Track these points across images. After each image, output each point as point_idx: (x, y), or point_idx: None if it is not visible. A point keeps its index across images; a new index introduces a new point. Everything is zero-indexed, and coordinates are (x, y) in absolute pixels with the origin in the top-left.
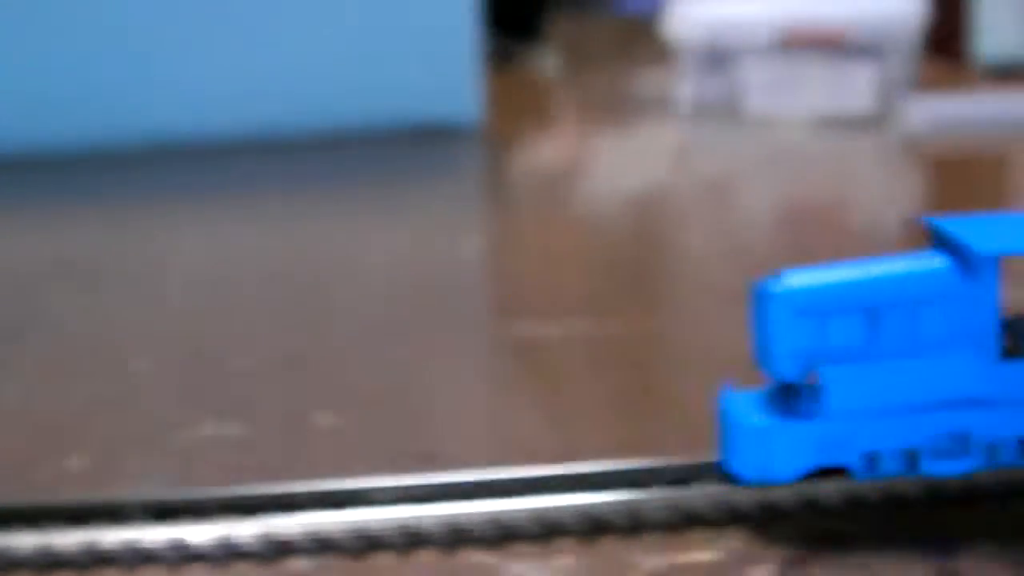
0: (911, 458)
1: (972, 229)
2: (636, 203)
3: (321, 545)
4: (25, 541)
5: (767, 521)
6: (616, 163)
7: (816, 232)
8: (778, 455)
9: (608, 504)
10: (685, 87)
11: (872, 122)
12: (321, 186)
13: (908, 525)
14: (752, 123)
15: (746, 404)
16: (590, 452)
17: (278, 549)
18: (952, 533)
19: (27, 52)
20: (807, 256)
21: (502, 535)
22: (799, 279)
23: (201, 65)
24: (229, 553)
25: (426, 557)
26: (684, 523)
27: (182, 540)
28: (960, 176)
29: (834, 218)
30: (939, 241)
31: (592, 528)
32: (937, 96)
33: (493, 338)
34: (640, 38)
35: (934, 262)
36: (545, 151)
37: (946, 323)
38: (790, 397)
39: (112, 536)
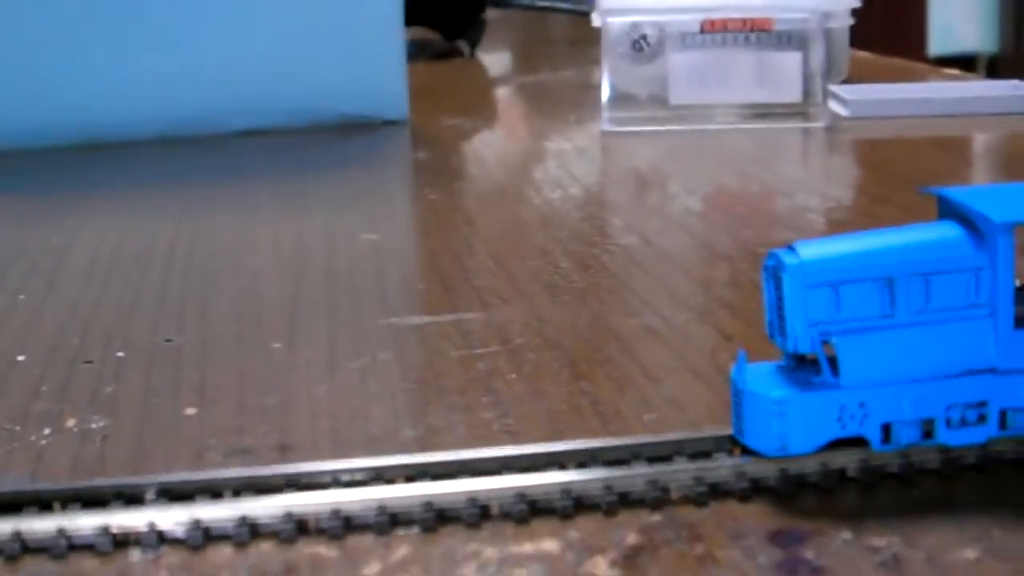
0: (927, 428)
1: (984, 199)
2: (551, 196)
3: (160, 537)
4: None
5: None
6: (539, 155)
7: (741, 218)
8: (797, 427)
9: (453, 494)
10: (610, 77)
11: (799, 111)
12: (233, 179)
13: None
14: (677, 113)
15: (762, 376)
16: (444, 439)
17: (119, 541)
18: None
19: None
20: (734, 242)
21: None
22: (813, 250)
23: (126, 61)
24: (70, 546)
25: (265, 548)
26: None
27: (21, 532)
28: (882, 161)
29: (759, 205)
30: (949, 211)
31: (436, 518)
32: (863, 85)
33: (373, 328)
34: (592, 31)
35: (948, 231)
36: (468, 144)
37: (961, 292)
38: (805, 369)
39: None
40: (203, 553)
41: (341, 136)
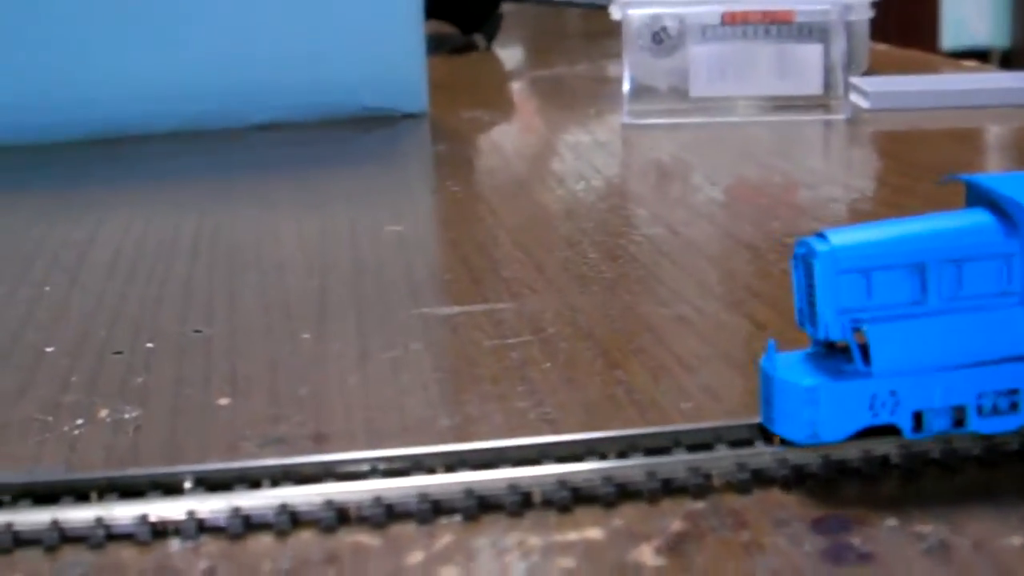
0: (959, 416)
1: (1013, 185)
2: (574, 188)
3: (199, 526)
4: None
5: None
6: (560, 148)
7: (766, 209)
8: (828, 415)
9: (495, 481)
10: (630, 70)
11: (820, 103)
12: (253, 173)
13: (800, 500)
14: (697, 105)
15: (793, 364)
16: (481, 429)
17: (158, 531)
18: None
19: None
20: (759, 232)
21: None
22: (844, 236)
23: (142, 54)
24: (108, 536)
25: (306, 536)
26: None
27: (59, 522)
28: (904, 153)
29: (783, 196)
30: (978, 198)
31: (478, 506)
32: (884, 76)
33: (403, 319)
34: (606, 25)
35: (978, 218)
36: (488, 137)
37: (993, 279)
38: (835, 357)
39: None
40: (243, 542)
41: (360, 129)
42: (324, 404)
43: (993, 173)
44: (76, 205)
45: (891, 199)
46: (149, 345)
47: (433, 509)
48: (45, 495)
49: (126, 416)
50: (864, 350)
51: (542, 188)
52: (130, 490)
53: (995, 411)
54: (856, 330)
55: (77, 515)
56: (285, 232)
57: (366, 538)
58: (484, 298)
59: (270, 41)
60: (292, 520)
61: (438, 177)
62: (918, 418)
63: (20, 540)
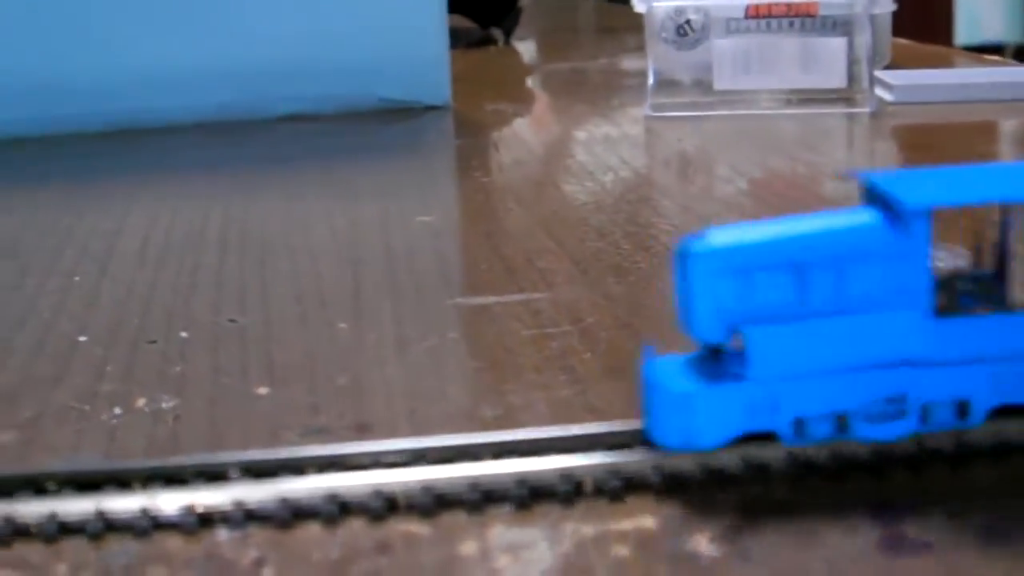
0: (843, 422)
1: (904, 183)
2: (601, 179)
3: (247, 515)
4: None
5: (709, 487)
6: (584, 140)
7: (787, 204)
8: (702, 421)
9: (546, 471)
10: (654, 63)
11: (844, 96)
12: (278, 164)
13: (854, 489)
14: (721, 98)
15: (671, 369)
16: (526, 419)
17: (204, 520)
18: (898, 497)
19: None
20: None
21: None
22: (722, 236)
23: (166, 45)
24: (154, 524)
25: (355, 525)
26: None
27: (103, 511)
28: (929, 146)
29: (810, 188)
30: (871, 196)
31: (530, 495)
32: (908, 70)
33: (439, 309)
34: (621, 19)
35: (864, 217)
36: (511, 129)
37: (877, 280)
38: (718, 361)
39: (32, 508)
40: (292, 531)
41: (383, 121)
42: (364, 393)
43: (897, 169)
44: (102, 195)
45: None
46: (183, 334)
47: (484, 498)
48: (89, 483)
49: (164, 405)
50: (743, 354)
51: (569, 180)
52: (175, 478)
53: (882, 417)
54: (735, 333)
55: (122, 504)
56: (314, 222)
57: (416, 527)
58: (520, 288)
59: (293, 33)
60: (341, 508)
61: (465, 168)
62: (800, 424)
63: (65, 528)
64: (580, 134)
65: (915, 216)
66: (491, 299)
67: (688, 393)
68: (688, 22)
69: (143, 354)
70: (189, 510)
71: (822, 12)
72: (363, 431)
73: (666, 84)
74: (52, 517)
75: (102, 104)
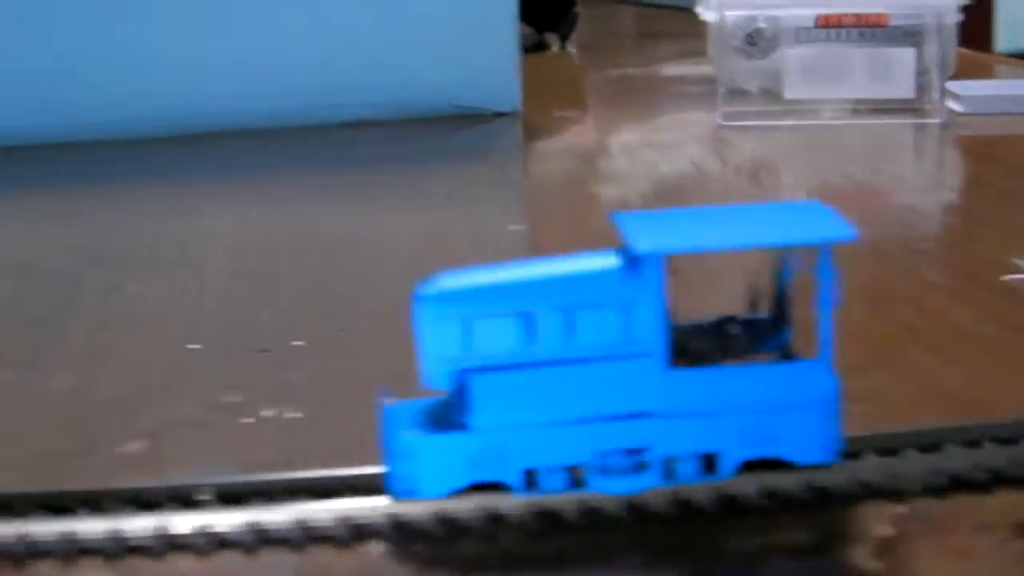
0: (576, 475)
1: (646, 226)
2: (671, 187)
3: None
4: (94, 527)
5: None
6: (652, 147)
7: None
8: (426, 470)
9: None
10: (723, 71)
11: (913, 107)
12: (359, 169)
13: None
14: (790, 108)
15: (404, 414)
16: None
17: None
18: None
19: (50, 39)
20: (876, 232)
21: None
22: (451, 281)
23: (229, 48)
24: (310, 537)
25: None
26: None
27: (258, 523)
28: (997, 157)
29: (872, 203)
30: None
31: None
32: (975, 81)
33: None
34: (672, 25)
35: (598, 262)
36: (583, 135)
37: (608, 328)
38: (451, 408)
39: (183, 521)
40: (452, 545)
41: (452, 127)
42: None
43: (651, 210)
44: (182, 198)
45: (1002, 202)
46: (297, 343)
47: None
48: (231, 497)
49: (288, 415)
50: (468, 402)
51: (648, 185)
52: (326, 490)
53: (618, 470)
54: (461, 380)
55: (274, 516)
56: (400, 230)
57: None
58: None
59: (362, 38)
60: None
61: (544, 175)
62: (530, 476)
63: (222, 543)
64: (653, 140)
65: (648, 262)
66: None
67: (410, 441)
68: (758, 31)
69: (258, 363)
70: (344, 522)
71: (892, 22)
72: None
73: (735, 93)
74: (203, 530)
75: (162, 108)
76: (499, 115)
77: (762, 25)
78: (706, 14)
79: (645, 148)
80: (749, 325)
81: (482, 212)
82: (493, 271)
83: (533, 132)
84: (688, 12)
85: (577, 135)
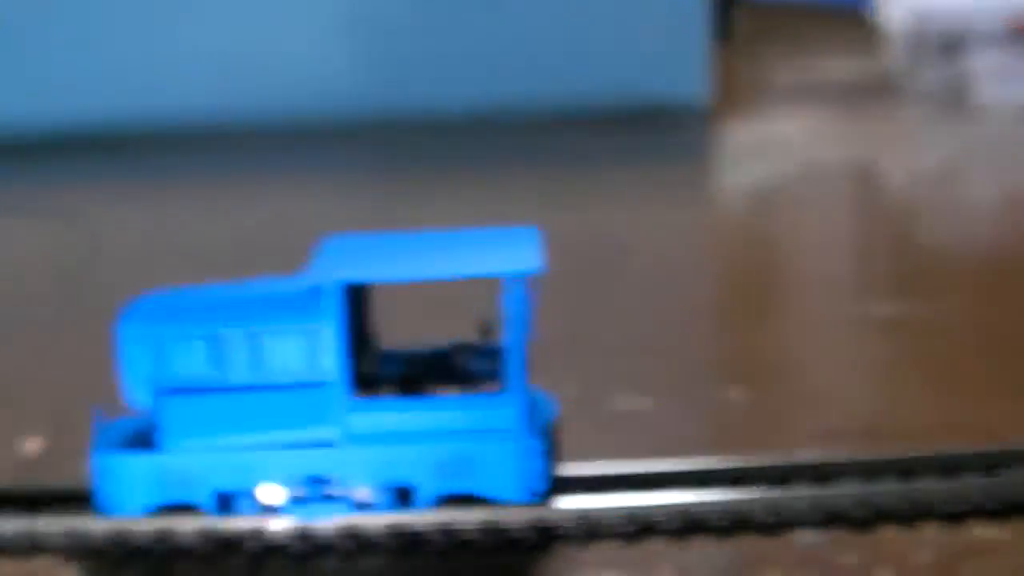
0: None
1: (343, 252)
2: (862, 189)
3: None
4: None
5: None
6: (843, 149)
7: None
8: (119, 488)
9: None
10: (907, 75)
11: None
12: (581, 165)
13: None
14: (979, 112)
15: (112, 432)
16: None
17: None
18: None
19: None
20: None
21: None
22: (151, 302)
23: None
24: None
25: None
26: None
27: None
28: None
29: None
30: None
31: None
32: None
33: (853, 317)
34: (831, 29)
35: (293, 285)
36: (779, 133)
37: (293, 355)
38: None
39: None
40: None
41: (641, 123)
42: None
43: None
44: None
45: None
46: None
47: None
48: None
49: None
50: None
51: (855, 189)
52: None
53: (307, 498)
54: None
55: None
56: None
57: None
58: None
59: (552, 34)
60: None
61: (757, 175)
62: (224, 499)
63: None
64: (848, 142)
65: (326, 291)
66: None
67: (103, 459)
68: (945, 35)
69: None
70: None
71: None
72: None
73: (919, 96)
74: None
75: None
76: (687, 112)
77: (949, 30)
78: (891, 20)
79: (846, 149)
80: (483, 353)
81: (719, 210)
82: (198, 292)
83: (728, 131)
84: (849, 17)
85: (773, 134)
